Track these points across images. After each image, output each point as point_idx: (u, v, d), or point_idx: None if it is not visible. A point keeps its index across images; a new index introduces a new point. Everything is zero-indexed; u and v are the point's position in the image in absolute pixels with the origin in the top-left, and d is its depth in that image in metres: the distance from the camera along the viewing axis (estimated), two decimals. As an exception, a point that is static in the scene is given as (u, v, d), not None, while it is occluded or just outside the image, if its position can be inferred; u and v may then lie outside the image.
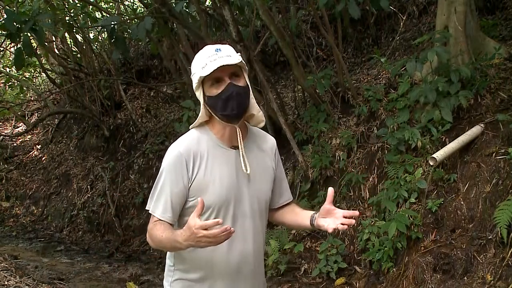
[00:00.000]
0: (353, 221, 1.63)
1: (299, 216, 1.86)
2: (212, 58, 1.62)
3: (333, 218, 1.66)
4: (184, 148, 1.69)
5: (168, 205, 1.67)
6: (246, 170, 1.71)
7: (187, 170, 1.67)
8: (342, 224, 1.61)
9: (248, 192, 1.74)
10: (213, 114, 1.71)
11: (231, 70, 1.64)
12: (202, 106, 1.71)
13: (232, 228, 1.48)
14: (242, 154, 1.71)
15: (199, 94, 1.70)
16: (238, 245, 1.73)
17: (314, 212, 1.79)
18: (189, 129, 1.78)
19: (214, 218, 1.64)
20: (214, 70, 1.59)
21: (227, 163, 1.71)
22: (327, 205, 1.69)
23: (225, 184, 1.69)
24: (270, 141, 1.89)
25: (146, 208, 1.75)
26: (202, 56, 1.66)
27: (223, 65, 1.59)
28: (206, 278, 1.74)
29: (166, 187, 1.68)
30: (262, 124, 1.80)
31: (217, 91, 1.64)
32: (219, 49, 1.64)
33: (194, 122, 1.76)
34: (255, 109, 1.75)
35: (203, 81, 1.66)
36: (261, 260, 1.89)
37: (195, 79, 1.67)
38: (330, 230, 1.64)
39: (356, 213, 1.66)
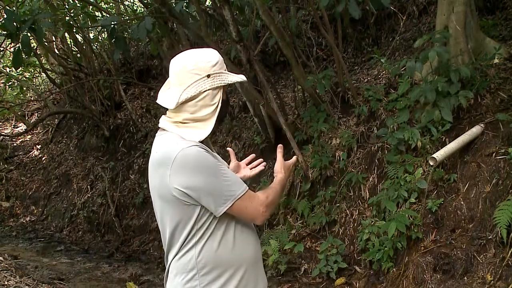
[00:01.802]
0: (260, 165, 2.04)
1: None
2: (224, 66, 1.73)
3: (244, 169, 2.04)
4: (195, 143, 1.65)
5: (238, 178, 1.72)
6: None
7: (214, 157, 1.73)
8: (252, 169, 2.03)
9: None
10: None
11: None
12: (218, 107, 1.70)
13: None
14: (214, 151, 1.83)
15: (215, 93, 1.68)
16: (255, 233, 1.84)
17: None
18: (196, 143, 1.66)
19: None
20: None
21: None
22: (233, 162, 2.03)
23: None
24: None
25: (231, 203, 1.62)
26: (220, 59, 1.71)
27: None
28: (236, 273, 1.69)
29: (226, 170, 1.66)
30: None
31: (225, 96, 1.75)
32: None
33: (203, 133, 1.69)
34: None
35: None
36: None
37: (227, 79, 1.69)
38: (252, 173, 2.01)
39: (252, 156, 2.10)
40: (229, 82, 1.70)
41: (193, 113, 1.67)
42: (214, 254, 1.66)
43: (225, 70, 1.71)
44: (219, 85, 1.67)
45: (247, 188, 1.68)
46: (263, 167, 2.06)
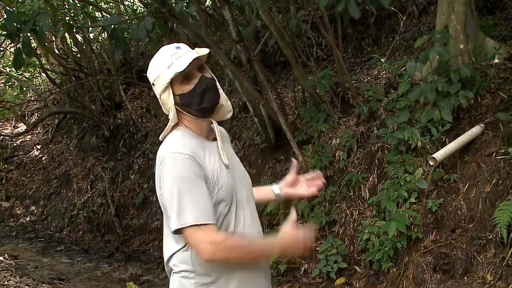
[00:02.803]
0: (320, 183, 1.93)
1: (260, 191, 1.96)
2: (176, 55, 1.62)
3: (301, 185, 1.95)
4: (188, 149, 1.60)
5: (205, 207, 1.56)
6: (225, 161, 1.70)
7: (202, 170, 1.60)
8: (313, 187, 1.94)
9: (239, 178, 1.75)
10: (185, 113, 1.69)
11: (198, 64, 1.65)
12: (173, 108, 1.66)
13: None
14: (221, 146, 1.73)
15: (167, 97, 1.65)
16: (252, 231, 1.72)
17: (272, 184, 1.97)
18: (164, 137, 1.71)
19: (236, 204, 1.67)
20: (190, 63, 1.58)
21: (215, 154, 1.71)
22: (292, 175, 1.94)
23: (226, 173, 1.68)
24: (225, 131, 1.90)
25: (176, 227, 1.54)
26: (163, 56, 1.64)
27: (196, 58, 1.60)
28: (233, 274, 1.66)
29: (197, 192, 1.56)
30: (230, 115, 1.81)
31: (190, 86, 1.64)
32: (179, 47, 1.65)
33: (166, 129, 1.70)
34: (224, 99, 1.77)
35: (171, 81, 1.63)
36: None
37: (163, 81, 1.62)
38: (305, 194, 1.93)
39: (318, 173, 1.97)
40: (165, 83, 1.62)
41: (169, 118, 1.70)
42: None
43: (169, 65, 1.61)
44: (161, 88, 1.64)
45: (204, 221, 1.53)
46: (320, 187, 1.93)
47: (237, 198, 1.70)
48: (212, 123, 1.75)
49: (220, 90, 1.73)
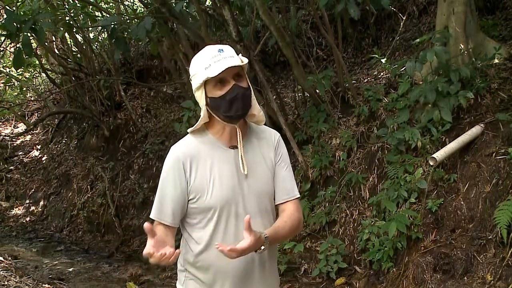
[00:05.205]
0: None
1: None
2: (216, 58, 1.61)
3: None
4: (182, 150, 1.70)
5: (163, 207, 1.69)
6: (244, 170, 1.70)
7: (185, 172, 1.67)
8: None
9: (249, 190, 1.72)
10: (214, 115, 1.70)
11: (235, 71, 1.63)
12: (203, 107, 1.68)
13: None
14: (241, 155, 1.71)
15: (200, 95, 1.68)
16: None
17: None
18: (188, 133, 1.76)
19: (217, 219, 1.68)
20: (222, 71, 1.57)
21: (226, 163, 1.70)
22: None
23: (225, 183, 1.68)
24: (271, 135, 1.84)
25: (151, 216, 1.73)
26: (204, 56, 1.64)
27: (230, 67, 1.58)
28: (215, 281, 1.72)
29: (163, 190, 1.71)
30: (263, 123, 1.82)
31: (221, 92, 1.63)
32: (222, 50, 1.64)
33: (195, 125, 1.73)
34: (256, 109, 1.75)
35: (205, 82, 1.64)
36: (272, 262, 1.82)
37: (197, 80, 1.65)
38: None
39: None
40: (199, 83, 1.64)
41: (200, 116, 1.72)
42: (192, 254, 1.73)
43: (207, 67, 1.61)
44: (195, 86, 1.67)
45: (156, 219, 1.70)
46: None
47: (238, 210, 1.69)
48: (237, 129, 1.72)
49: (254, 101, 1.72)
